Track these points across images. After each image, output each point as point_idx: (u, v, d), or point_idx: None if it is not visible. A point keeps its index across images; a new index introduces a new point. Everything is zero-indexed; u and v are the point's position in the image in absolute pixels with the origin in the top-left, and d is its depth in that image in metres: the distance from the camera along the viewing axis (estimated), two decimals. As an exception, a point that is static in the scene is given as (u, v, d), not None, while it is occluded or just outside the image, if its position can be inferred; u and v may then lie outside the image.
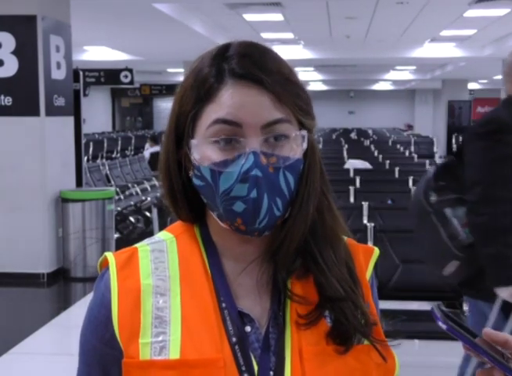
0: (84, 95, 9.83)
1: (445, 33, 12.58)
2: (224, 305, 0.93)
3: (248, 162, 0.88)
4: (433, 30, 12.38)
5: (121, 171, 11.46)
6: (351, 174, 8.60)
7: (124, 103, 30.32)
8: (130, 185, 10.92)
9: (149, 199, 9.91)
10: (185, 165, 0.95)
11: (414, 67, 20.88)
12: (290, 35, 12.83)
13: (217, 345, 0.89)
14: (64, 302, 6.24)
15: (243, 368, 0.90)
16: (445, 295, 4.23)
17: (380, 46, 14.49)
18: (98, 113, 26.34)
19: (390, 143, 17.24)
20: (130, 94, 26.88)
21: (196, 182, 0.93)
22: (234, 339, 0.91)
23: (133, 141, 20.26)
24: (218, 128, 0.90)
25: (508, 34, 12.59)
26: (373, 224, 4.44)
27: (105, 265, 0.97)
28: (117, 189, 9.74)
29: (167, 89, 21.23)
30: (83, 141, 8.38)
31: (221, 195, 0.90)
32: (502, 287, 2.50)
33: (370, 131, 24.35)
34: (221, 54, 0.93)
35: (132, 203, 9.93)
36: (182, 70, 16.64)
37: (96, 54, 14.69)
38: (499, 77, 17.04)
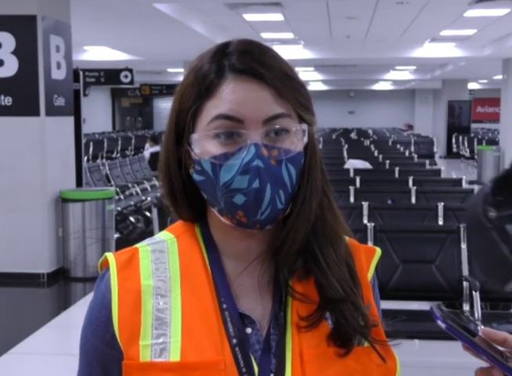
0: (84, 95, 9.83)
1: (445, 33, 12.57)
2: (225, 306, 0.93)
3: (249, 154, 0.88)
4: (433, 30, 12.37)
5: (121, 171, 11.46)
6: (351, 174, 8.60)
7: (124, 103, 30.33)
8: (130, 185, 10.91)
9: (149, 199, 9.91)
10: (186, 163, 0.95)
11: (414, 67, 20.88)
12: (290, 35, 12.82)
13: (217, 347, 0.89)
14: (64, 302, 6.24)
15: (244, 370, 0.89)
16: (445, 295, 4.24)
17: (380, 46, 14.49)
18: (98, 113, 26.35)
19: (390, 143, 17.26)
20: (130, 94, 26.89)
21: (197, 177, 0.93)
22: (234, 341, 0.91)
23: (133, 141, 20.26)
24: (219, 123, 0.90)
25: (508, 34, 12.59)
26: (373, 224, 4.44)
27: (105, 265, 0.97)
28: (117, 189, 9.73)
29: (167, 89, 21.22)
30: (83, 141, 8.39)
31: (222, 188, 0.89)
32: None
33: (370, 131, 24.37)
34: (221, 51, 0.93)
35: (132, 203, 9.93)
36: (182, 70, 16.64)
37: (96, 54, 14.69)
38: (499, 77, 17.05)
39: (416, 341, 4.06)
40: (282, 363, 0.91)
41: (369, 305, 0.97)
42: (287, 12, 10.15)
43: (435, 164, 15.52)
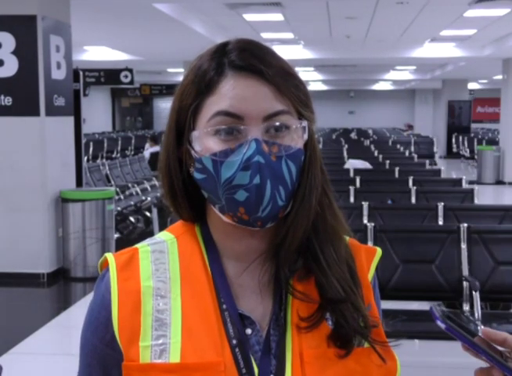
0: (84, 95, 9.83)
1: (445, 33, 12.57)
2: (224, 306, 0.93)
3: (250, 149, 0.88)
4: (433, 30, 12.37)
5: (121, 171, 11.46)
6: (351, 174, 8.61)
7: (124, 103, 30.32)
8: (130, 185, 10.91)
9: (149, 199, 9.91)
10: (186, 162, 0.95)
11: (414, 67, 20.88)
12: (290, 35, 12.82)
13: (217, 348, 0.89)
14: (64, 302, 6.24)
15: (244, 371, 0.89)
16: (445, 295, 4.24)
17: (380, 46, 14.49)
18: (98, 113, 26.35)
19: (390, 143, 17.27)
20: (130, 94, 26.88)
21: (198, 176, 0.93)
22: (234, 342, 0.90)
23: (133, 141, 20.26)
24: (219, 119, 0.90)
25: (508, 34, 12.59)
26: (373, 224, 4.44)
27: (105, 265, 0.97)
28: (117, 189, 9.73)
29: (167, 89, 21.22)
30: (83, 141, 8.38)
31: (224, 184, 0.89)
32: None
33: (370, 131, 24.37)
34: (221, 50, 0.93)
35: (132, 203, 9.93)
36: (182, 70, 16.64)
37: (96, 54, 14.69)
38: (499, 77, 17.05)
39: (416, 341, 4.06)
40: (282, 364, 0.91)
41: (370, 305, 0.97)
42: (287, 12, 10.14)
43: (435, 164, 15.52)
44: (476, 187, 7.03)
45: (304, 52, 15.05)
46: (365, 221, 5.35)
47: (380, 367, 0.93)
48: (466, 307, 4.09)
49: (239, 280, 0.96)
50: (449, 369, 4.06)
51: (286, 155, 0.90)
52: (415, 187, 7.04)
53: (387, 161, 10.47)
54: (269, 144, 0.89)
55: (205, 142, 0.90)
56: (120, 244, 7.12)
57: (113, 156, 17.84)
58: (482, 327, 3.76)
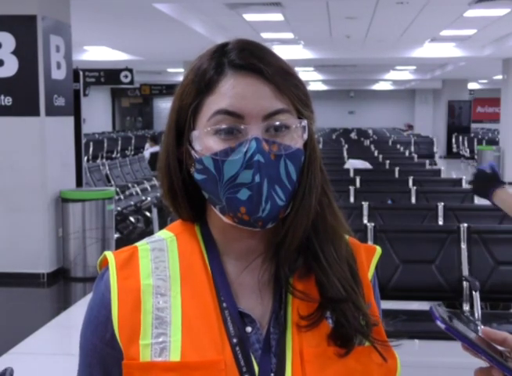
0: (84, 95, 9.83)
1: (445, 33, 12.57)
2: (225, 305, 0.92)
3: (251, 148, 0.88)
4: (433, 30, 12.37)
5: (121, 171, 11.45)
6: (351, 174, 8.60)
7: (124, 103, 30.32)
8: (130, 185, 10.91)
9: (149, 199, 9.90)
10: (186, 162, 0.95)
11: (414, 67, 20.88)
12: (290, 35, 12.82)
13: (217, 346, 0.89)
14: (64, 302, 6.24)
15: (244, 369, 0.89)
16: (445, 295, 4.24)
17: (380, 46, 14.49)
18: (98, 113, 26.34)
19: (390, 143, 17.26)
20: (130, 94, 26.88)
21: (198, 176, 0.93)
22: (235, 340, 0.90)
23: (133, 141, 20.25)
24: (219, 118, 0.90)
25: (508, 34, 12.59)
26: (373, 224, 4.44)
27: (105, 264, 0.97)
28: (117, 189, 9.73)
29: (167, 89, 21.22)
30: (83, 141, 8.38)
31: (226, 183, 0.89)
32: None
33: (370, 131, 24.37)
34: (220, 50, 0.94)
35: (132, 203, 9.92)
36: (182, 70, 16.63)
37: (96, 54, 14.69)
38: (499, 77, 17.05)
39: (416, 341, 4.05)
40: (282, 363, 0.90)
41: (370, 304, 0.97)
42: (287, 12, 10.14)
43: (435, 164, 15.52)
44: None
45: (304, 52, 15.05)
46: (365, 221, 5.35)
47: (381, 366, 0.93)
48: (466, 307, 4.09)
49: (239, 279, 0.96)
50: (449, 369, 4.06)
51: (286, 155, 0.90)
52: (415, 187, 7.04)
53: (387, 161, 10.47)
54: (269, 143, 0.89)
55: (205, 142, 0.91)
56: (121, 244, 7.11)
57: (113, 156, 17.83)
58: (482, 326, 3.76)
